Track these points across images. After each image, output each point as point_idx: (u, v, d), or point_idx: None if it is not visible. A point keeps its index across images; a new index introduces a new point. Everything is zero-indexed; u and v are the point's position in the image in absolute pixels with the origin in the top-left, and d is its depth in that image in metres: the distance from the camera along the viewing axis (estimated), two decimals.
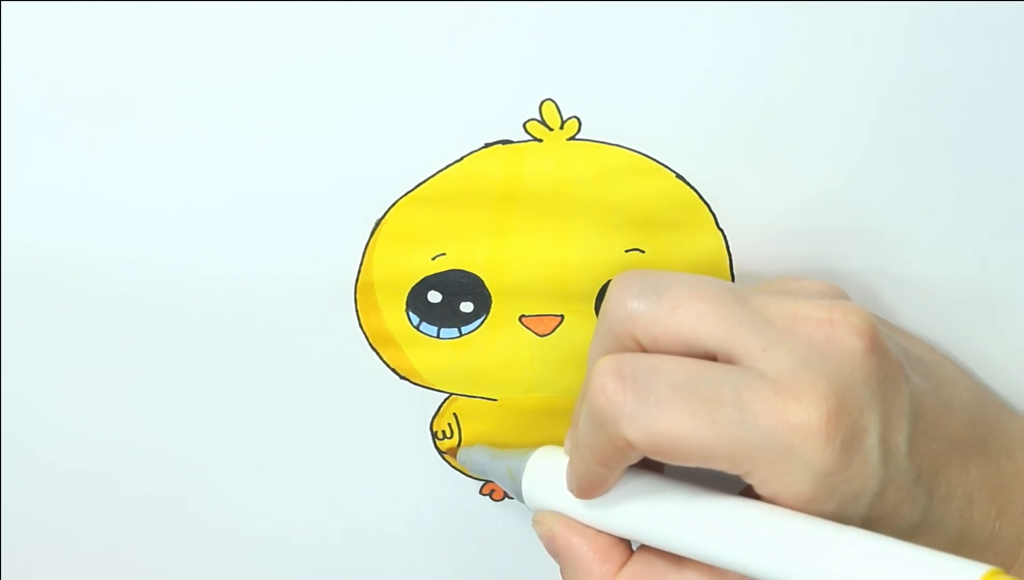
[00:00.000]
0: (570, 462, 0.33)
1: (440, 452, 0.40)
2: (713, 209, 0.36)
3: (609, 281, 0.37)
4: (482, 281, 0.37)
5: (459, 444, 0.40)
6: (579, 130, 0.34)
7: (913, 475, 0.31)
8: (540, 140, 0.34)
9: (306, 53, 0.33)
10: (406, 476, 0.41)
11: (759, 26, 0.33)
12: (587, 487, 0.33)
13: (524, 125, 0.34)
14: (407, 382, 0.38)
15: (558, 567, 0.35)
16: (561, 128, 0.34)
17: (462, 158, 0.35)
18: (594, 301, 0.37)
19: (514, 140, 0.34)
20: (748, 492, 0.31)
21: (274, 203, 0.35)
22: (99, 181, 0.35)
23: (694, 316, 0.30)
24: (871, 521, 0.30)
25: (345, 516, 0.41)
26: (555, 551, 0.35)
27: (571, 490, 0.33)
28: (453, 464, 0.40)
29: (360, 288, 0.37)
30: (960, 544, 0.33)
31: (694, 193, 0.35)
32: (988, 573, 0.26)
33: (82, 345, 0.38)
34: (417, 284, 0.37)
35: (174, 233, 0.36)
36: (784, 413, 0.29)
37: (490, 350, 0.38)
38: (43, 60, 0.33)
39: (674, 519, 0.32)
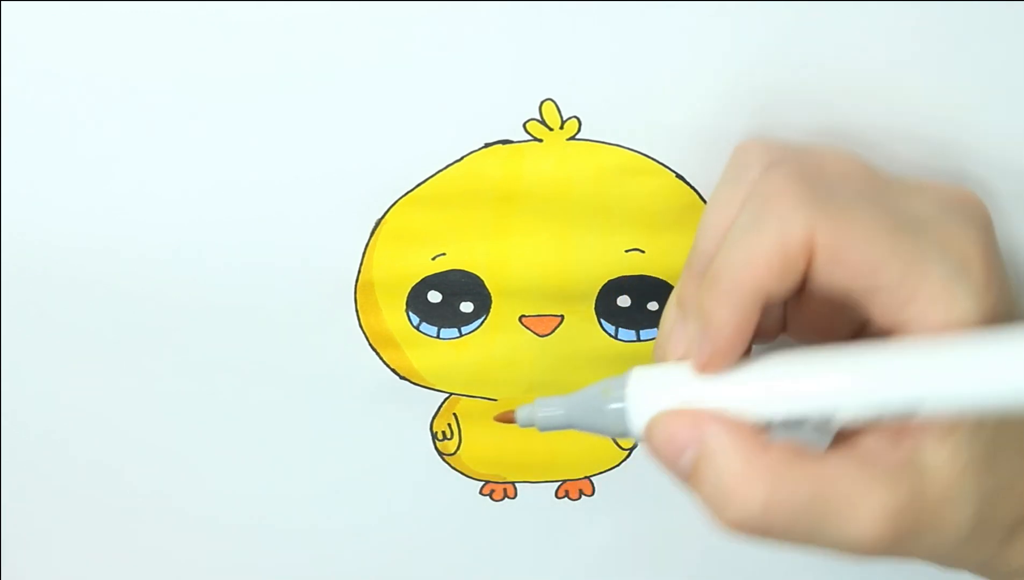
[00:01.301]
0: (699, 318, 0.29)
1: (440, 453, 0.40)
2: None
3: (610, 281, 0.37)
4: (482, 281, 0.37)
5: (459, 446, 0.40)
6: (579, 130, 0.34)
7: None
8: (540, 140, 0.34)
9: (306, 53, 0.33)
10: (406, 476, 0.41)
11: (760, 26, 0.33)
12: (724, 344, 0.28)
13: (524, 125, 0.34)
14: (407, 382, 0.38)
15: (684, 482, 0.29)
16: (561, 128, 0.34)
17: (462, 158, 0.35)
18: (594, 301, 0.37)
19: (514, 140, 0.34)
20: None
21: (274, 203, 0.35)
22: (99, 182, 0.35)
23: (838, 163, 0.30)
24: None
25: (345, 515, 0.41)
26: (677, 454, 0.29)
27: (700, 360, 0.29)
28: (453, 464, 0.40)
29: (360, 288, 0.37)
30: None
31: (694, 193, 0.35)
32: None
33: (81, 344, 0.38)
34: (417, 284, 0.37)
35: (174, 233, 0.36)
36: (954, 236, 0.29)
37: (490, 350, 0.38)
38: (43, 59, 0.33)
39: (835, 370, 0.28)
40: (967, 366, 0.27)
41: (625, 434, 0.30)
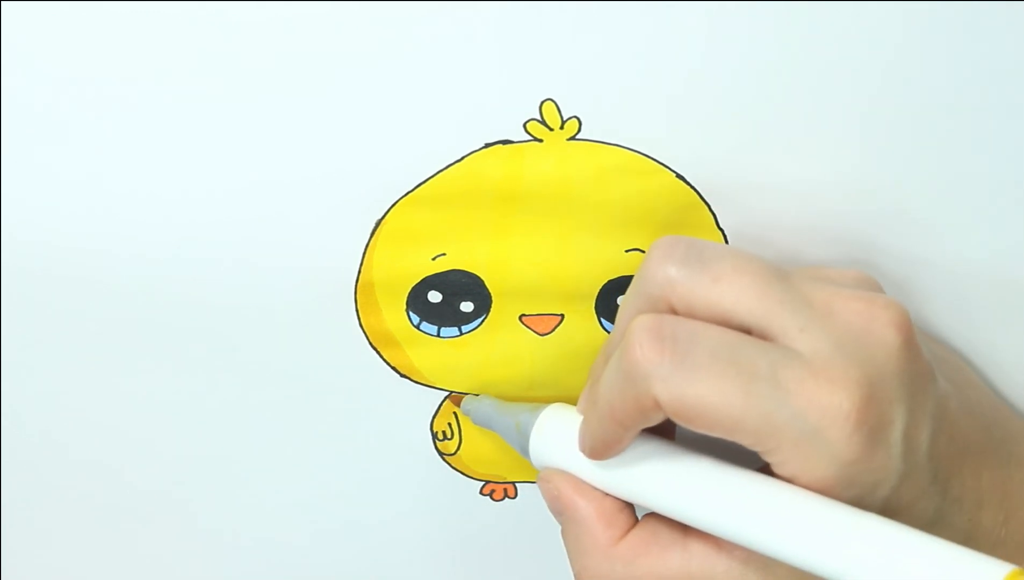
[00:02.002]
0: (584, 420, 0.33)
1: (440, 453, 0.40)
2: (713, 209, 0.36)
3: (610, 281, 0.37)
4: (482, 281, 0.37)
5: (459, 446, 0.40)
6: (579, 130, 0.34)
7: (931, 474, 0.31)
8: (540, 140, 0.34)
9: (306, 53, 0.33)
10: (406, 475, 0.41)
11: (760, 25, 0.33)
12: (600, 447, 0.32)
13: (524, 125, 0.34)
14: (407, 381, 0.38)
15: (559, 529, 0.35)
16: (561, 128, 0.34)
17: (462, 158, 0.35)
18: (594, 301, 0.37)
19: (514, 140, 0.34)
20: (764, 471, 0.31)
21: (274, 203, 0.35)
22: (99, 182, 0.35)
23: (736, 290, 0.30)
24: (884, 514, 0.30)
25: (344, 515, 0.41)
26: (559, 510, 0.34)
27: (583, 450, 0.33)
28: (453, 464, 0.40)
29: (360, 288, 0.37)
30: (967, 547, 0.33)
31: (694, 193, 0.35)
32: (1013, 572, 0.26)
33: (81, 344, 0.38)
34: (417, 284, 0.37)
35: (174, 233, 0.36)
36: (817, 395, 0.29)
37: (490, 349, 0.38)
38: (43, 59, 0.33)
39: (686, 486, 0.31)
40: (779, 526, 0.29)
41: (529, 461, 0.36)
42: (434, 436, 0.40)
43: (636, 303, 0.32)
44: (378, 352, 0.38)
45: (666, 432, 0.33)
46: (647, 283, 0.31)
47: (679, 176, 0.35)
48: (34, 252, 0.36)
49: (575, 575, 0.34)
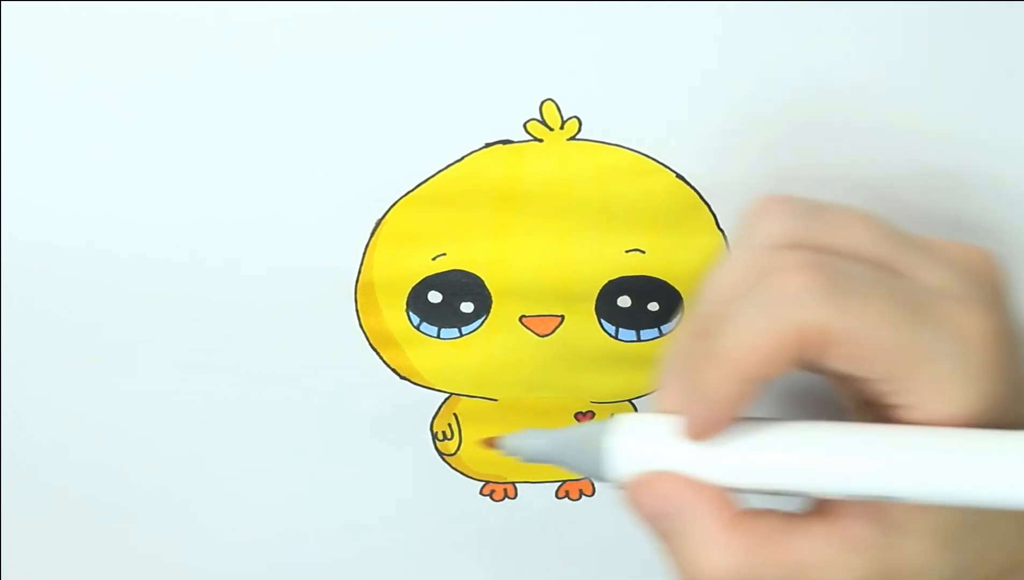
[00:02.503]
0: (688, 399, 0.29)
1: (440, 453, 0.40)
2: (714, 209, 0.36)
3: (610, 281, 0.37)
4: (482, 281, 0.37)
5: (459, 446, 0.40)
6: (579, 130, 0.34)
7: None
8: (540, 140, 0.34)
9: (306, 53, 0.33)
10: (406, 476, 0.41)
11: (760, 25, 0.33)
12: (712, 417, 0.29)
13: (524, 125, 0.34)
14: (407, 382, 0.38)
15: (659, 538, 0.31)
16: (561, 128, 0.34)
17: (462, 158, 0.35)
18: (594, 302, 0.37)
19: (514, 140, 0.34)
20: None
21: (274, 203, 0.35)
22: (99, 182, 0.35)
23: (853, 234, 0.29)
24: None
25: (344, 515, 0.41)
26: (665, 513, 0.30)
27: (689, 433, 0.29)
28: (453, 464, 0.40)
29: (360, 288, 0.37)
30: None
31: (695, 193, 0.35)
32: None
33: (80, 344, 0.38)
34: (417, 284, 0.37)
35: (174, 233, 0.36)
36: (965, 319, 0.28)
37: (490, 350, 0.38)
38: (43, 59, 0.33)
39: (814, 451, 0.29)
40: (950, 466, 0.28)
41: (603, 479, 0.31)
42: (434, 436, 0.40)
43: (745, 257, 0.30)
44: (378, 353, 0.38)
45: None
46: (760, 237, 0.30)
47: (679, 176, 0.35)
48: (34, 252, 0.36)
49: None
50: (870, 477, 0.28)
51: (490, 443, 0.33)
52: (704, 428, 0.29)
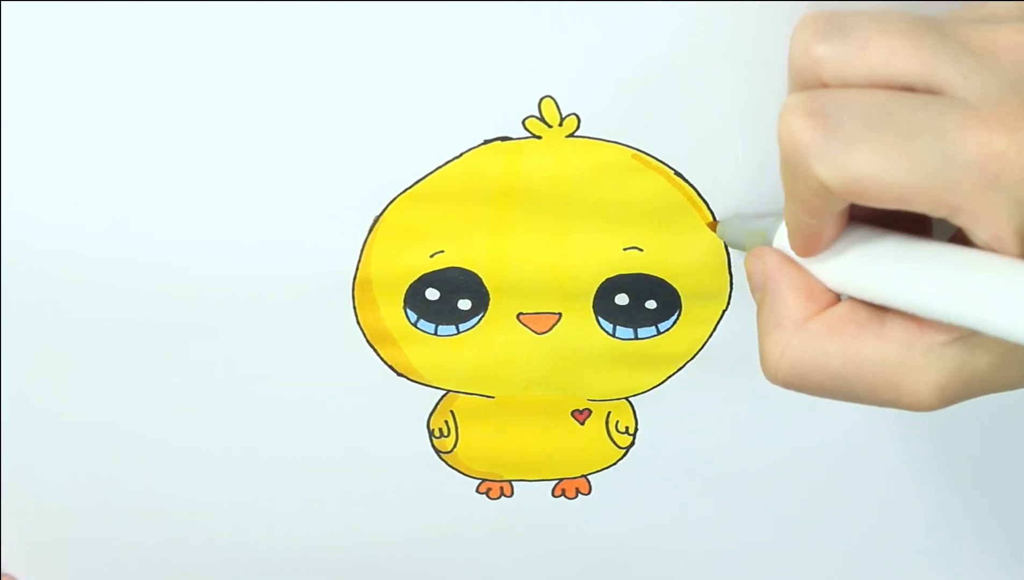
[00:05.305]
0: (784, 217, 0.31)
1: (437, 450, 0.40)
2: (712, 207, 0.36)
3: (607, 279, 0.37)
4: (480, 279, 0.37)
5: (456, 444, 0.40)
6: (578, 127, 0.34)
7: None
8: (539, 137, 0.34)
9: (305, 51, 0.33)
10: (402, 473, 0.41)
11: (760, 25, 0.33)
12: (802, 242, 0.30)
13: (523, 122, 0.34)
14: (404, 379, 0.38)
15: (756, 306, 0.32)
16: (560, 125, 0.34)
17: (461, 155, 0.35)
18: (591, 299, 0.37)
19: (513, 137, 0.34)
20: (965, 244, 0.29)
21: (272, 199, 0.35)
22: (98, 181, 0.35)
23: (886, 53, 0.28)
24: None
25: (340, 512, 0.41)
26: (760, 285, 0.32)
27: (792, 247, 0.31)
28: (449, 462, 0.40)
29: (358, 285, 0.37)
30: None
31: (693, 191, 0.35)
32: None
33: (79, 343, 0.38)
34: (415, 281, 0.37)
35: (172, 229, 0.36)
36: (990, 140, 0.27)
37: (488, 347, 0.38)
38: (43, 60, 0.33)
39: (890, 267, 0.29)
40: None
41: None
42: (430, 433, 0.40)
43: (789, 91, 0.30)
44: (375, 350, 0.38)
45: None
46: (795, 69, 0.29)
47: (678, 173, 0.35)
48: (34, 252, 0.36)
49: (761, 356, 0.31)
50: (968, 304, 0.28)
51: (711, 227, 0.36)
52: (798, 247, 0.31)
